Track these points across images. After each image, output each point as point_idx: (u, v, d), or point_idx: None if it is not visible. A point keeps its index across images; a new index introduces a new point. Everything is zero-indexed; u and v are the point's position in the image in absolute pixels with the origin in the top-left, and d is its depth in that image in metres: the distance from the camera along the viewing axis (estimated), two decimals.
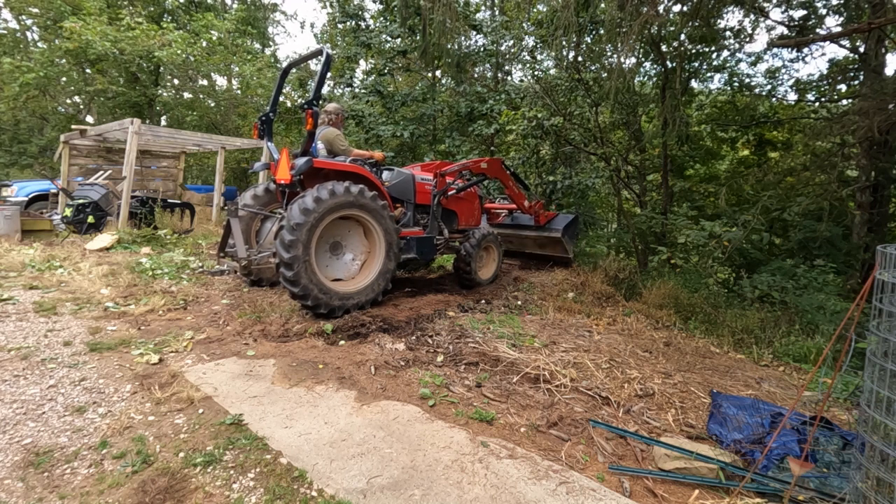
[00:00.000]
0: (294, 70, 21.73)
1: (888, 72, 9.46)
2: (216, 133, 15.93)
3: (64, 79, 16.16)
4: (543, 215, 7.00)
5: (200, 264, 6.02)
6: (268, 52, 21.54)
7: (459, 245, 5.89)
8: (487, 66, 13.13)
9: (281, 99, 5.26)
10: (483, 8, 13.96)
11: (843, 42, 9.27)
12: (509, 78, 13.58)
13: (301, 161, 4.26)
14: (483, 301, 5.43)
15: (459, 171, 5.97)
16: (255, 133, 4.91)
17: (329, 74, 20.66)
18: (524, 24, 11.67)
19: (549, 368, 3.35)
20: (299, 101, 18.17)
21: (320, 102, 5.31)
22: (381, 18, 12.02)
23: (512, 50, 12.61)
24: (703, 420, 2.94)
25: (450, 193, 5.86)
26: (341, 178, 4.48)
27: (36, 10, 15.04)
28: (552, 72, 10.95)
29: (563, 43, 8.28)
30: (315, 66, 22.48)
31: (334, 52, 19.03)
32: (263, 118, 4.86)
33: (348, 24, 11.91)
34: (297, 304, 4.41)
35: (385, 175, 5.65)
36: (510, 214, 7.49)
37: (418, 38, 10.66)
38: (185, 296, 4.82)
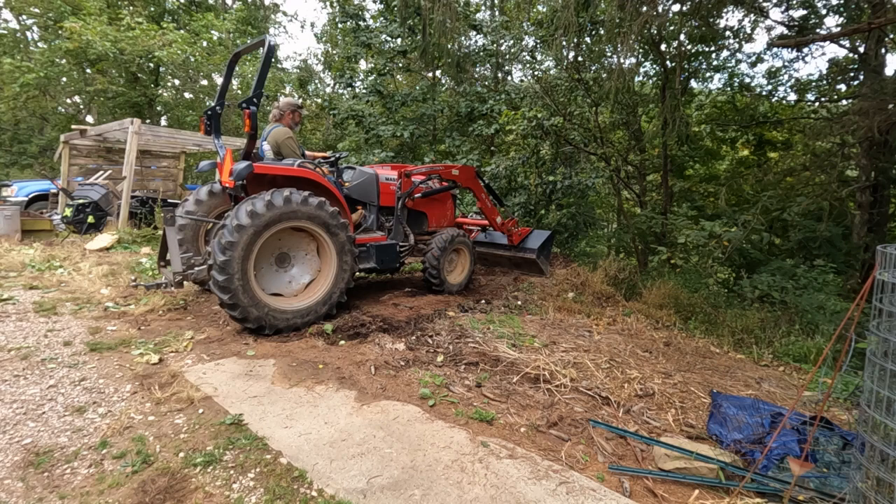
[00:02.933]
0: (297, 70, 21.76)
1: (888, 72, 9.46)
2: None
3: (64, 79, 16.18)
4: (517, 234, 6.55)
5: (133, 277, 5.31)
6: None
7: (426, 247, 5.46)
8: (487, 66, 13.13)
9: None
10: (483, 8, 13.96)
11: (843, 42, 9.26)
12: (509, 78, 13.59)
13: (240, 166, 3.90)
14: (483, 301, 5.43)
15: (428, 173, 5.63)
16: (202, 129, 4.52)
17: (329, 74, 20.63)
18: (524, 24, 11.67)
19: (549, 368, 3.35)
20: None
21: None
22: (382, 18, 12.03)
23: (512, 50, 12.61)
24: (703, 420, 2.94)
25: (416, 196, 5.47)
26: (288, 184, 4.16)
27: (36, 10, 15.05)
28: (552, 72, 10.95)
29: (563, 43, 8.28)
30: (315, 66, 22.47)
31: (335, 51, 19.04)
32: (209, 113, 4.44)
33: (348, 24, 11.91)
34: None
35: (345, 175, 5.25)
36: (484, 230, 6.97)
37: (418, 38, 10.66)
38: (185, 296, 4.82)
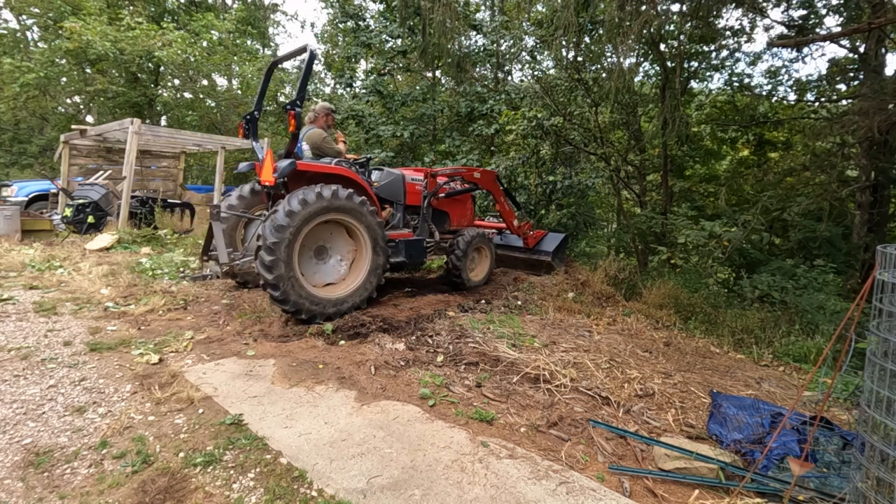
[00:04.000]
0: (298, 70, 21.74)
1: (888, 72, 9.46)
2: (216, 133, 15.93)
3: (64, 79, 16.17)
4: (532, 237, 6.80)
5: (182, 270, 5.73)
6: (268, 52, 21.54)
7: (450, 245, 5.70)
8: (487, 66, 13.12)
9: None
10: (483, 8, 13.96)
11: (843, 42, 9.27)
12: (509, 78, 13.58)
13: (284, 163, 4.15)
14: (483, 301, 5.43)
15: (451, 175, 5.86)
16: (241, 132, 4.78)
17: (329, 74, 20.67)
18: (524, 24, 11.67)
19: (549, 368, 3.35)
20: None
21: (305, 102, 5.17)
22: (381, 18, 12.02)
23: (512, 50, 12.61)
24: (703, 420, 2.94)
25: (440, 196, 5.74)
26: (326, 181, 4.35)
27: (36, 10, 15.05)
28: (552, 72, 10.95)
29: (563, 43, 8.29)
30: (315, 65, 22.46)
31: (335, 51, 19.04)
32: (248, 117, 4.72)
33: (348, 24, 11.91)
34: None
35: (374, 175, 5.53)
36: (500, 234, 7.22)
37: (418, 38, 10.66)
38: (185, 296, 4.82)
